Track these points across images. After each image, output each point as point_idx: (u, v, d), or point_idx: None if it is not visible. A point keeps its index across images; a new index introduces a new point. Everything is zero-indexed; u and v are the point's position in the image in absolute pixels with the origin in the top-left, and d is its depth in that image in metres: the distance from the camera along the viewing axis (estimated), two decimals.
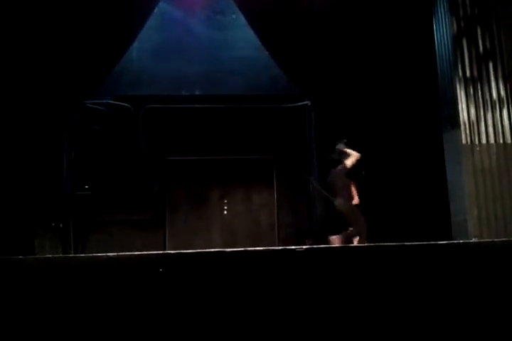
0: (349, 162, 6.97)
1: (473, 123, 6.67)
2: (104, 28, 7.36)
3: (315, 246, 2.96)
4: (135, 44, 8.27)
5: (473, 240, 5.80)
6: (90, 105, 8.43)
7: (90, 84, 7.69)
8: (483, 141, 6.62)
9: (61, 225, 7.82)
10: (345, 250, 2.84)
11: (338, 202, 7.00)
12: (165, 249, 8.09)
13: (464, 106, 6.73)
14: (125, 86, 8.84)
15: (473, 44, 6.82)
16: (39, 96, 7.33)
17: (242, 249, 2.71)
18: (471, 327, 2.37)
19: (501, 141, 6.61)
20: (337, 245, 5.97)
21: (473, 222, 6.44)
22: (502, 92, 6.72)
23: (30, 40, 7.20)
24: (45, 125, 7.56)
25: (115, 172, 8.61)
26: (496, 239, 5.20)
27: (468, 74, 6.77)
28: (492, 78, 6.74)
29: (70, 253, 7.57)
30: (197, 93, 9.28)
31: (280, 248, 2.79)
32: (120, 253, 2.66)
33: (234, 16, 8.92)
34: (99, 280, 2.54)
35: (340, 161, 7.08)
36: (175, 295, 2.42)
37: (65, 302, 2.48)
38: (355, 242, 6.77)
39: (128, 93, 8.93)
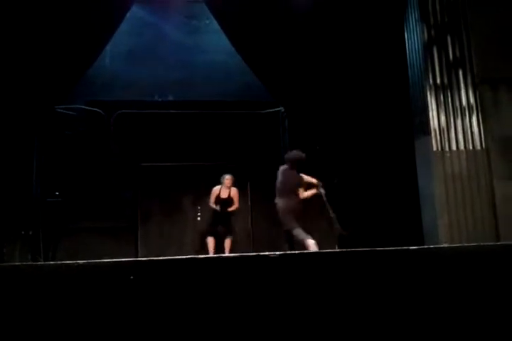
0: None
1: (443, 130, 6.77)
2: (76, 32, 7.28)
3: (288, 252, 2.96)
4: (108, 48, 8.20)
5: (444, 245, 5.87)
6: (61, 110, 8.31)
7: (61, 88, 7.59)
8: (454, 147, 6.73)
9: (31, 232, 7.67)
10: (317, 256, 2.84)
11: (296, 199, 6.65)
12: (137, 256, 8.00)
13: (435, 113, 6.83)
14: (97, 91, 8.75)
15: (443, 52, 6.94)
16: (8, 100, 7.20)
17: (215, 255, 2.69)
18: (442, 333, 2.39)
19: (471, 148, 6.72)
20: (310, 250, 5.97)
21: (444, 227, 6.53)
22: (471, 99, 6.84)
23: None
24: (15, 130, 7.42)
25: (86, 178, 8.49)
26: (466, 244, 5.27)
27: (438, 81, 6.88)
28: (462, 85, 6.86)
29: (40, 261, 7.43)
30: (170, 98, 9.24)
31: (254, 254, 2.78)
32: (90, 261, 2.61)
33: (207, 21, 8.92)
34: (70, 288, 2.50)
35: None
36: (146, 303, 2.39)
37: (34, 311, 2.43)
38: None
39: (100, 98, 8.84)
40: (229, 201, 7.93)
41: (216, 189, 8.02)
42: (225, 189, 7.97)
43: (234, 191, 7.96)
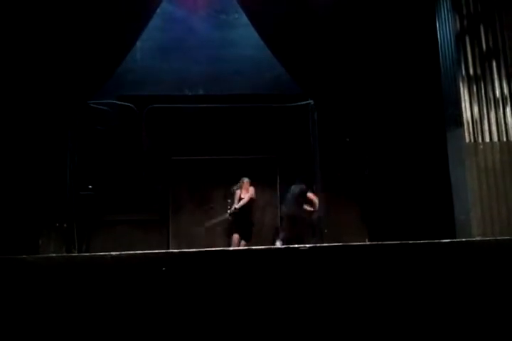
0: None
1: (476, 121, 6.65)
2: (107, 28, 7.37)
3: (318, 245, 2.97)
4: (138, 44, 8.29)
5: (477, 239, 5.79)
6: (94, 105, 8.44)
7: (93, 84, 7.70)
8: (487, 139, 6.60)
9: (65, 225, 7.83)
10: (348, 248, 2.84)
11: None
12: (168, 248, 8.10)
13: (468, 104, 6.71)
14: (128, 86, 8.86)
15: (476, 42, 6.80)
16: (42, 96, 7.34)
17: (245, 247, 2.71)
18: (473, 324, 2.37)
19: (505, 139, 6.59)
20: (340, 243, 5.96)
21: (476, 220, 6.42)
22: (505, 90, 6.69)
23: (33, 39, 7.22)
24: (49, 125, 7.57)
25: (119, 172, 8.63)
26: (499, 238, 5.19)
27: (471, 72, 6.76)
28: (495, 76, 6.72)
29: (74, 253, 7.59)
30: (200, 93, 9.29)
31: (283, 246, 2.79)
32: (123, 253, 2.66)
33: (236, 16, 8.92)
34: (103, 279, 2.55)
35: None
36: (178, 294, 2.43)
37: (69, 301, 2.49)
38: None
39: (131, 93, 8.95)
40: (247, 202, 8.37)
41: (238, 192, 8.45)
42: (244, 191, 8.39)
43: (251, 190, 8.42)
